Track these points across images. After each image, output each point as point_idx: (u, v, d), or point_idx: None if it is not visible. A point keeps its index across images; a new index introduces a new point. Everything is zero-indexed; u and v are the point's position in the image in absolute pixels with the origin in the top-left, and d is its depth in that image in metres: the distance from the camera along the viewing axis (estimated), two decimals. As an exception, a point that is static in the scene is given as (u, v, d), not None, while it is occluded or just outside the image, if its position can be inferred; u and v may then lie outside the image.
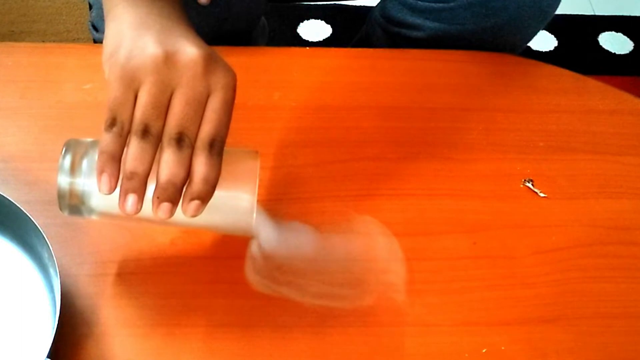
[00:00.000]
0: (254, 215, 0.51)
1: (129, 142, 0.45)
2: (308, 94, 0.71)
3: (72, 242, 0.58)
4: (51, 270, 0.52)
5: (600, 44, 1.69)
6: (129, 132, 0.45)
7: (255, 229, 0.53)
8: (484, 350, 0.55)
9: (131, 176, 0.44)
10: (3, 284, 0.54)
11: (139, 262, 0.57)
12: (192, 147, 0.46)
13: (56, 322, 0.48)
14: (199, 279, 0.57)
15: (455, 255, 0.60)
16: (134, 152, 0.45)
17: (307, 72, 0.74)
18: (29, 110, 0.67)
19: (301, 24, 1.63)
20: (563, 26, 1.67)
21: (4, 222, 0.55)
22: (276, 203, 0.62)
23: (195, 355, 0.53)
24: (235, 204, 0.51)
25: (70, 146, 0.49)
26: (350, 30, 1.61)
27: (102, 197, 0.47)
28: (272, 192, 0.63)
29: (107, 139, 0.45)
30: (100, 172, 0.45)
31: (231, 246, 0.59)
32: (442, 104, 0.72)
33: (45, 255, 0.53)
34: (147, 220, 0.49)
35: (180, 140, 0.45)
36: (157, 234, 0.59)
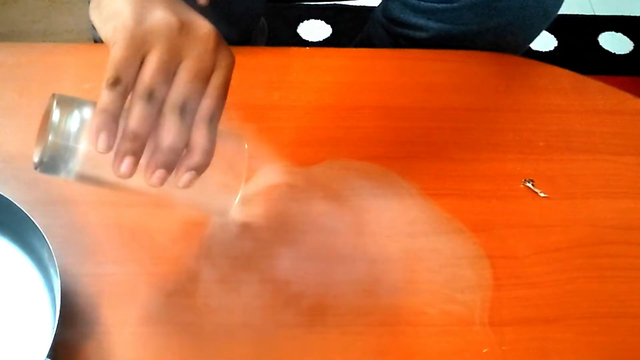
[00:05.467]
0: (238, 197, 0.51)
1: (131, 103, 0.45)
2: (308, 94, 0.71)
3: (72, 242, 0.58)
4: (51, 270, 0.52)
5: (600, 44, 1.69)
6: (129, 93, 0.45)
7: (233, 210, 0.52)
8: (484, 350, 0.55)
9: (134, 138, 0.44)
10: (3, 284, 0.54)
11: (139, 262, 0.57)
12: (192, 119, 0.46)
13: (56, 322, 0.48)
14: (199, 279, 0.57)
15: (456, 255, 0.60)
16: (138, 114, 0.44)
17: (307, 72, 0.74)
18: (29, 109, 0.67)
19: (301, 24, 1.63)
20: (563, 26, 1.67)
21: (4, 222, 0.55)
22: (275, 203, 0.62)
23: (196, 355, 0.53)
24: (223, 183, 0.51)
25: (59, 101, 0.47)
26: (350, 30, 1.61)
27: (86, 158, 0.46)
28: (271, 192, 0.62)
29: (109, 97, 0.44)
30: (99, 130, 0.43)
31: (232, 246, 0.59)
32: (442, 104, 0.72)
33: (45, 255, 0.53)
34: (126, 189, 0.48)
35: (183, 110, 0.45)
36: (158, 233, 0.59)
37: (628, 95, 0.75)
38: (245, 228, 0.60)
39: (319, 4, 1.66)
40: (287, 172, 0.64)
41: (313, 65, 0.75)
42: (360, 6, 1.60)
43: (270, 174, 0.64)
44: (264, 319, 0.55)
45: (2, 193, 0.54)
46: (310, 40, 1.60)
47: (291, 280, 0.57)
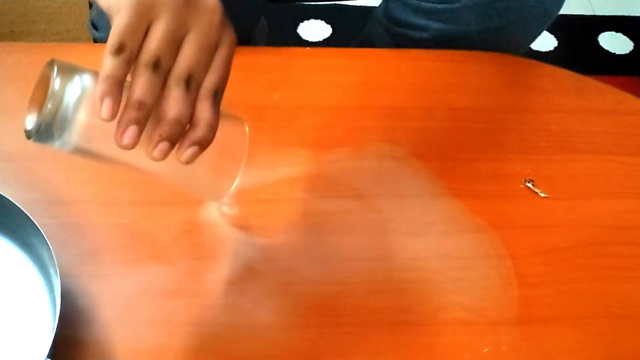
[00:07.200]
0: (237, 180, 0.50)
1: (135, 73, 0.43)
2: (308, 94, 0.71)
3: (72, 242, 0.58)
4: (51, 270, 0.52)
5: (600, 44, 1.70)
6: (133, 61, 0.44)
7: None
8: (485, 350, 0.55)
9: (139, 106, 0.42)
10: (3, 284, 0.54)
11: (139, 262, 0.57)
12: (197, 93, 0.45)
13: (56, 322, 0.48)
14: (199, 279, 0.57)
15: (457, 255, 0.60)
16: (144, 83, 0.43)
17: (307, 72, 0.74)
18: (29, 110, 0.66)
19: (301, 24, 1.63)
20: (563, 26, 1.67)
21: (4, 222, 0.55)
22: (276, 203, 0.62)
23: (196, 355, 0.53)
24: (223, 164, 0.50)
25: (59, 68, 0.44)
26: (350, 30, 1.61)
27: (84, 128, 0.44)
28: (271, 192, 0.62)
29: (114, 64, 0.42)
30: (104, 97, 0.42)
31: (233, 245, 0.59)
32: (442, 104, 0.72)
33: (45, 255, 0.53)
34: (122, 163, 0.47)
35: (189, 82, 0.44)
36: (158, 233, 0.59)
37: (628, 95, 0.75)
38: (247, 227, 0.60)
39: (319, 4, 1.66)
40: (288, 171, 0.64)
41: (313, 65, 0.75)
42: (360, 6, 1.60)
43: (271, 173, 0.64)
44: (266, 319, 0.55)
45: (2, 193, 0.54)
46: (310, 40, 1.60)
47: (295, 280, 0.57)
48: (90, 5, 0.90)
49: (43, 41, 1.40)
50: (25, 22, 1.42)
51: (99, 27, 0.89)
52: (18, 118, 0.66)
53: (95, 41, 0.91)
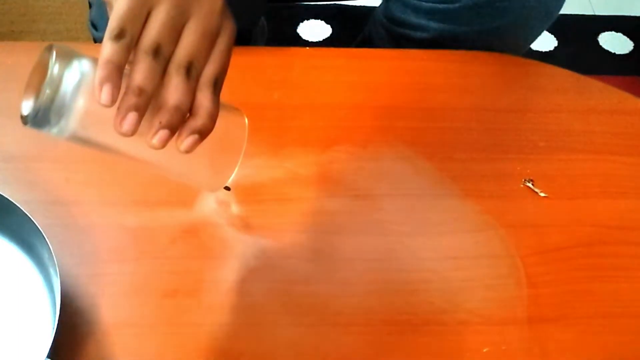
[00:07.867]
0: (235, 172, 0.50)
1: (135, 59, 0.43)
2: (308, 94, 0.71)
3: (72, 242, 0.58)
4: (51, 270, 0.52)
5: (600, 44, 1.69)
6: (133, 47, 0.43)
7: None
8: (485, 350, 0.55)
9: (139, 92, 0.42)
10: (3, 284, 0.54)
11: (139, 262, 0.57)
12: (197, 81, 0.44)
13: (56, 322, 0.48)
14: (199, 279, 0.57)
15: (459, 256, 0.60)
16: (144, 70, 0.42)
17: (307, 72, 0.74)
18: (29, 110, 0.66)
19: (301, 24, 1.63)
20: (563, 26, 1.67)
21: (4, 222, 0.55)
22: (276, 203, 0.62)
23: (196, 355, 0.53)
24: (221, 155, 0.50)
25: (58, 53, 0.43)
26: (350, 30, 1.61)
27: (82, 115, 0.44)
28: (271, 192, 0.62)
29: (113, 49, 0.42)
30: (104, 82, 0.41)
31: (231, 245, 0.59)
32: (442, 104, 0.72)
33: (45, 255, 0.53)
34: (119, 152, 0.46)
35: (189, 70, 0.44)
36: (157, 234, 0.59)
37: (628, 95, 0.75)
38: (247, 227, 0.60)
39: (319, 4, 1.66)
40: (287, 171, 0.64)
41: (313, 65, 0.75)
42: (360, 6, 1.60)
43: (271, 173, 0.64)
44: (267, 319, 0.55)
45: (2, 193, 0.54)
46: (310, 40, 1.60)
47: (295, 280, 0.57)
48: (90, 4, 0.90)
49: (43, 41, 1.40)
50: (25, 22, 1.42)
51: (98, 27, 0.89)
52: (18, 118, 0.66)
53: (95, 41, 0.91)
